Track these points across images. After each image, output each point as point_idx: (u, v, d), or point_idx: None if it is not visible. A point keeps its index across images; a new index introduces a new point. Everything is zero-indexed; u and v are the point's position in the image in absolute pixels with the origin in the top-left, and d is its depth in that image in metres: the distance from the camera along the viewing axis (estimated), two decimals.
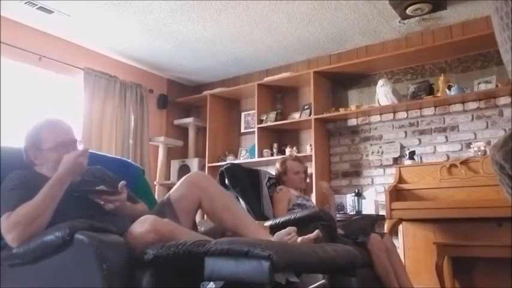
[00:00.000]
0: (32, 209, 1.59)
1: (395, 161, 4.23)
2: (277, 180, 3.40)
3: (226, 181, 3.14)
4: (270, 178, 3.37)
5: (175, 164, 5.39)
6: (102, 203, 1.80)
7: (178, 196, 1.90)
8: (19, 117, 3.98)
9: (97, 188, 1.82)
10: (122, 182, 1.85)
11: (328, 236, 2.58)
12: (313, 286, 2.01)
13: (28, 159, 1.91)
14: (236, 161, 4.98)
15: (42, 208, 1.60)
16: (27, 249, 1.58)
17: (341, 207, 4.30)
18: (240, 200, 3.12)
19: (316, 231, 1.81)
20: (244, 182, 3.18)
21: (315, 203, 4.20)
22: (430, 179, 3.72)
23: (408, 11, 3.77)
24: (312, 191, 4.35)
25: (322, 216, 2.69)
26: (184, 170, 5.31)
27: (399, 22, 4.07)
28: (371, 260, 2.87)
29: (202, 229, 2.13)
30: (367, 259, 2.82)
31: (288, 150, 4.66)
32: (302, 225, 2.49)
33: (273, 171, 3.53)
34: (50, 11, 3.90)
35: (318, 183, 3.32)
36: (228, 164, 3.33)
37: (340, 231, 3.11)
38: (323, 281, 2.19)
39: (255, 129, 4.86)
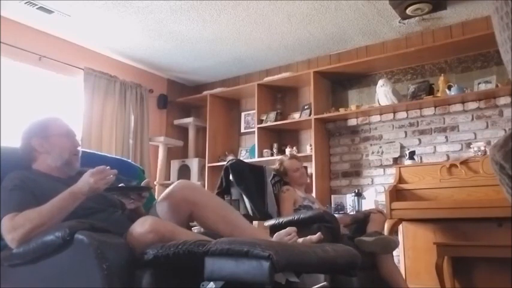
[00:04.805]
0: (38, 217, 1.58)
1: (395, 161, 4.24)
2: (282, 178, 3.39)
3: (231, 177, 3.11)
4: (274, 175, 3.35)
5: (175, 164, 5.39)
6: (131, 200, 1.81)
7: (165, 212, 1.78)
8: (19, 117, 3.98)
9: (130, 185, 1.84)
10: (147, 180, 1.90)
11: (332, 237, 2.57)
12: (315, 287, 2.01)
13: (29, 148, 1.89)
14: None
15: (48, 218, 1.59)
16: (27, 249, 1.58)
17: (341, 207, 4.30)
18: (244, 197, 3.10)
19: (318, 234, 1.81)
20: (249, 178, 3.15)
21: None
22: (430, 179, 3.72)
23: (408, 11, 3.78)
24: (312, 191, 4.35)
25: (326, 218, 2.69)
26: (184, 170, 5.32)
27: (399, 22, 4.07)
28: (375, 261, 2.85)
29: (202, 229, 2.13)
30: (369, 261, 2.80)
31: (288, 150, 4.66)
32: (305, 226, 2.49)
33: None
34: (50, 11, 3.90)
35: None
36: (233, 159, 3.30)
37: (346, 231, 3.11)
38: (324, 283, 2.19)
39: (255, 129, 4.86)
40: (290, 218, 2.76)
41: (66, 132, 1.93)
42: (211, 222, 1.80)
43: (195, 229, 2.13)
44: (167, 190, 1.82)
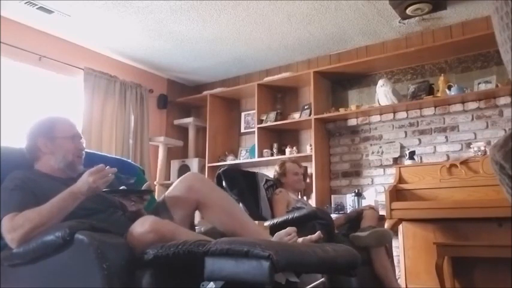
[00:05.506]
0: (38, 217, 1.58)
1: (395, 161, 4.23)
2: (275, 183, 3.41)
3: (224, 184, 3.14)
4: (267, 180, 3.38)
5: (175, 164, 5.39)
6: (133, 203, 1.83)
7: (174, 200, 1.86)
8: (19, 117, 3.98)
9: (128, 187, 1.85)
10: (148, 183, 1.95)
11: (326, 235, 2.58)
12: (312, 285, 2.01)
13: (34, 147, 1.89)
14: (236, 161, 4.99)
15: (48, 217, 1.58)
16: (27, 249, 1.58)
17: (341, 207, 4.30)
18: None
19: (318, 233, 1.81)
20: (242, 184, 3.18)
21: (315, 204, 4.22)
22: (430, 179, 3.71)
23: (408, 11, 3.77)
24: (312, 191, 4.35)
25: (320, 215, 2.70)
26: (184, 170, 5.31)
27: (399, 22, 4.07)
28: (370, 258, 2.87)
29: (202, 229, 2.13)
30: (365, 258, 2.83)
31: (288, 150, 4.66)
32: (300, 224, 2.50)
33: (273, 171, 3.53)
34: (50, 11, 3.90)
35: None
36: (225, 167, 3.33)
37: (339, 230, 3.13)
38: (322, 279, 2.19)
39: (255, 129, 4.86)
40: (284, 217, 2.77)
41: (72, 135, 1.93)
42: (214, 214, 1.83)
43: (196, 229, 2.13)
44: (179, 178, 1.92)
